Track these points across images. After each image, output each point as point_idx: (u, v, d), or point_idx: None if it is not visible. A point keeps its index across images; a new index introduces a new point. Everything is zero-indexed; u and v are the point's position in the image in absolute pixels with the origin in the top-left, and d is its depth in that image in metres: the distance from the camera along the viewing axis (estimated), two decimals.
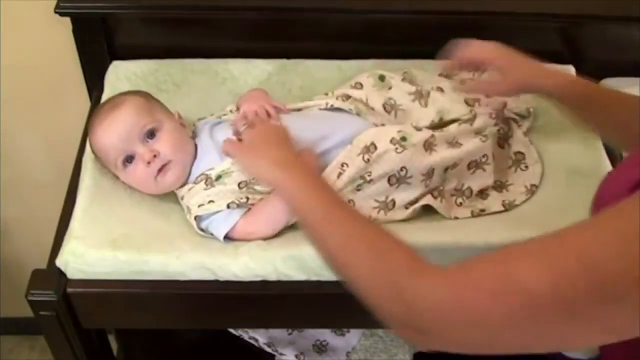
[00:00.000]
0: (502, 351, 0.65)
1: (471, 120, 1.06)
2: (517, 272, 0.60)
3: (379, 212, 1.00)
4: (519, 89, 1.02)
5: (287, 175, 0.84)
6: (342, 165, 1.01)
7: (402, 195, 1.00)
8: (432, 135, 1.02)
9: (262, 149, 0.91)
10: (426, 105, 1.10)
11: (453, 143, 1.03)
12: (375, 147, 1.00)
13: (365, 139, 1.01)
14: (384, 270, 0.69)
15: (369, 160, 0.99)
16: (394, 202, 1.00)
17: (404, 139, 1.00)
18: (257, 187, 0.99)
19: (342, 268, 0.75)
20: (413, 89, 1.12)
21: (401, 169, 0.99)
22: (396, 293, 0.67)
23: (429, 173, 1.00)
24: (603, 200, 0.73)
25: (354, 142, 1.02)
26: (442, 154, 1.01)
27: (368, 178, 1.00)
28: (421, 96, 1.11)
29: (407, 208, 1.01)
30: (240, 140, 0.98)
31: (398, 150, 0.99)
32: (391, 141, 1.00)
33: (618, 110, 0.95)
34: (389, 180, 0.99)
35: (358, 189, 1.00)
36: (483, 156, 1.04)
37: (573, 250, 0.59)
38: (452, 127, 1.05)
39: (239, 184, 0.99)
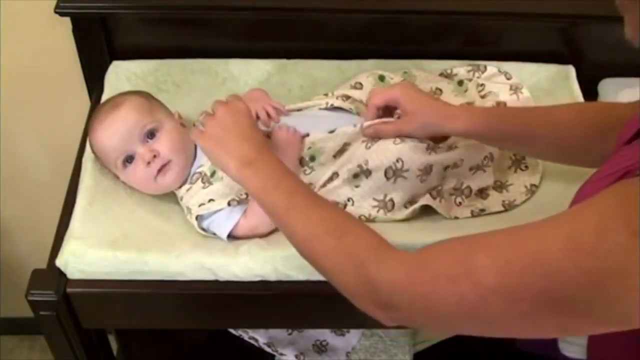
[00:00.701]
0: (457, 332, 0.69)
1: None
2: (473, 262, 0.64)
3: (378, 211, 1.00)
4: (423, 132, 0.99)
5: (250, 172, 0.85)
6: (345, 145, 1.02)
7: (400, 194, 1.00)
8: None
9: (224, 142, 0.88)
10: None
11: (453, 147, 1.03)
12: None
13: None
14: (347, 249, 0.73)
15: (369, 147, 1.00)
16: (392, 202, 1.00)
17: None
18: None
19: (310, 252, 0.78)
20: None
21: (397, 160, 0.98)
22: (360, 271, 0.71)
23: (427, 169, 0.99)
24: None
25: (360, 125, 1.02)
26: (442, 154, 1.01)
27: (365, 167, 0.99)
28: None
29: (406, 207, 1.01)
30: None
31: (396, 142, 0.99)
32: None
33: (538, 127, 0.95)
34: (385, 173, 0.99)
35: (357, 185, 1.00)
36: (484, 158, 1.04)
37: (525, 249, 0.62)
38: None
39: None
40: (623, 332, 0.63)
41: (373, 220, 1.01)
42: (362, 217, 1.00)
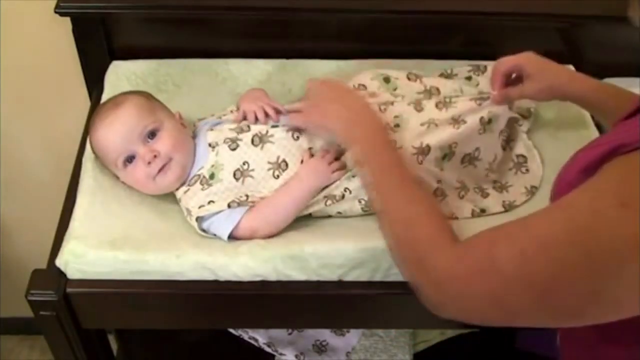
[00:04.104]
0: (494, 323, 0.71)
1: (481, 100, 1.05)
2: (495, 254, 0.68)
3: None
4: (548, 94, 1.04)
5: (357, 132, 0.91)
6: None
7: None
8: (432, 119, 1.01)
9: (327, 111, 0.95)
10: (422, 110, 1.10)
11: (458, 120, 1.02)
12: None
13: None
14: (408, 241, 0.79)
15: None
16: None
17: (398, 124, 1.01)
18: (254, 174, 0.99)
19: (382, 227, 0.84)
20: (422, 87, 1.11)
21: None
22: (416, 260, 0.77)
23: (422, 148, 0.98)
24: (559, 186, 0.79)
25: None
26: (439, 134, 1.01)
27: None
28: (430, 95, 1.10)
29: None
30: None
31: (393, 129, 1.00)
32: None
33: None
34: None
35: (353, 175, 1.00)
36: (476, 149, 1.04)
37: (535, 235, 0.66)
38: (460, 100, 1.05)
39: (234, 174, 0.99)
40: (591, 332, 0.64)
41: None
42: (362, 201, 1.00)
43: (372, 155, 0.88)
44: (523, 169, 1.08)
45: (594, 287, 0.61)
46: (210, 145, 1.02)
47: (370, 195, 0.87)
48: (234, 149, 1.01)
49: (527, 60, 1.03)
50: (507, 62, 1.05)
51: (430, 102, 1.06)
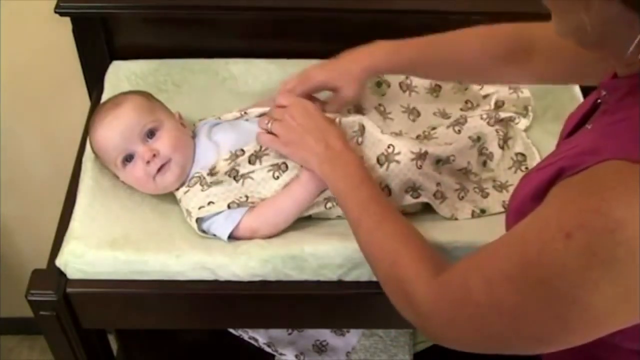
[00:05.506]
0: (488, 351, 0.71)
1: (460, 124, 1.06)
2: (470, 284, 0.68)
3: None
4: (362, 89, 1.03)
5: (329, 170, 0.91)
6: None
7: (395, 181, 0.98)
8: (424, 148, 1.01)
9: (303, 143, 0.94)
10: (414, 121, 1.10)
11: (441, 144, 1.03)
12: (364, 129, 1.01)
13: (357, 120, 1.02)
14: (394, 278, 0.80)
15: (361, 142, 1.00)
16: (389, 189, 0.99)
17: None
18: (254, 176, 0.99)
19: (368, 263, 0.86)
20: (406, 104, 1.11)
21: (388, 147, 0.98)
22: (404, 296, 0.77)
23: (420, 154, 0.98)
24: (509, 210, 0.79)
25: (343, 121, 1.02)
26: (432, 145, 1.01)
27: None
28: (411, 112, 1.11)
29: (407, 192, 1.00)
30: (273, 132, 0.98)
31: (384, 132, 1.00)
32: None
33: (443, 58, 0.99)
34: (378, 160, 0.99)
35: None
36: (468, 163, 1.05)
37: (496, 266, 0.66)
38: (440, 130, 1.05)
39: (234, 177, 0.99)
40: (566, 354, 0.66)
41: None
42: None
43: (349, 193, 0.88)
44: (523, 168, 1.08)
45: (558, 314, 0.62)
46: (211, 174, 1.02)
47: (352, 229, 0.88)
48: (235, 175, 1.01)
49: (336, 75, 1.01)
50: (315, 78, 1.01)
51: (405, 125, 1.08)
